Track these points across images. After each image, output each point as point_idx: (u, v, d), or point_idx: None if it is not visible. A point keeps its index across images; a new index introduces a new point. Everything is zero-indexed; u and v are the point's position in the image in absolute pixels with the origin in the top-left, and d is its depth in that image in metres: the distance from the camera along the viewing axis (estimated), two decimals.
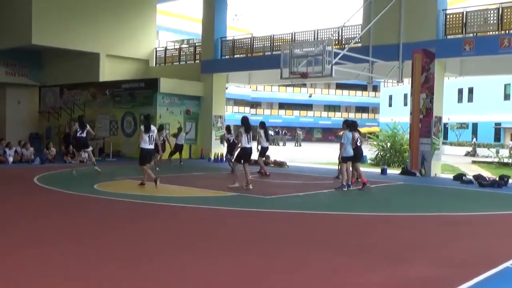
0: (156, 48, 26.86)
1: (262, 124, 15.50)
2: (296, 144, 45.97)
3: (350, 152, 12.12)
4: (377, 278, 5.00)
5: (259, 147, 15.17)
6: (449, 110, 31.79)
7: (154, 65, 26.39)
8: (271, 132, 52.61)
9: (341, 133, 12.89)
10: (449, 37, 16.80)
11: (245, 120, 12.10)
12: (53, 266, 5.14)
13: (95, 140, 20.03)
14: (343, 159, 12.17)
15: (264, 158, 16.17)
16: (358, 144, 12.47)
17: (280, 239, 6.69)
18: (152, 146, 11.73)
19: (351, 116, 72.15)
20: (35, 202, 9.62)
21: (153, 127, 11.84)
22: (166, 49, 27.14)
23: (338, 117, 71.07)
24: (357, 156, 12.54)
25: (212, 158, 21.55)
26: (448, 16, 16.82)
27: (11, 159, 17.58)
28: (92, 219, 7.88)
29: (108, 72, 24.50)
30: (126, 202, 9.60)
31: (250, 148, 11.97)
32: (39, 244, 6.11)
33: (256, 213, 8.82)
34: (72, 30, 22.68)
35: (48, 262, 5.28)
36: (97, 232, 6.92)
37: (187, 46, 29.70)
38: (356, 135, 12.43)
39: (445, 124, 35.95)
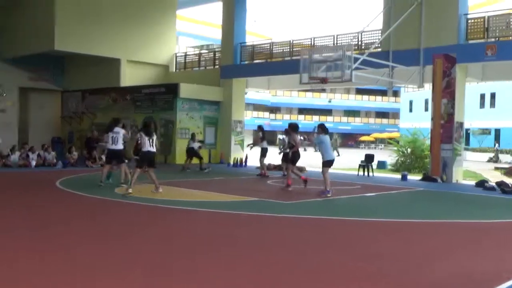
0: (176, 54, 27.09)
1: (260, 128, 17.11)
2: (316, 149, 45.81)
3: (332, 156, 12.16)
4: (392, 285, 4.96)
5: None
6: (471, 116, 31.40)
7: (174, 71, 26.62)
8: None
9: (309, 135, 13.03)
10: (470, 42, 16.61)
11: (147, 123, 11.95)
12: (63, 271, 5.20)
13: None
14: (326, 163, 11.99)
15: (264, 158, 16.94)
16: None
17: (297, 244, 6.68)
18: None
19: (371, 121, 71.76)
20: (57, 205, 9.76)
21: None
22: (186, 55, 27.37)
23: (358, 123, 70.81)
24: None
25: (232, 162, 21.62)
26: (469, 21, 16.64)
27: (34, 163, 17.91)
28: (112, 223, 7.97)
29: (129, 77, 24.80)
30: (145, 206, 9.67)
31: (153, 152, 11.39)
32: (61, 247, 6.20)
33: (275, 218, 8.81)
34: (94, 36, 23.05)
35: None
36: (118, 236, 6.98)
37: (207, 51, 29.91)
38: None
39: (466, 130, 35.43)
